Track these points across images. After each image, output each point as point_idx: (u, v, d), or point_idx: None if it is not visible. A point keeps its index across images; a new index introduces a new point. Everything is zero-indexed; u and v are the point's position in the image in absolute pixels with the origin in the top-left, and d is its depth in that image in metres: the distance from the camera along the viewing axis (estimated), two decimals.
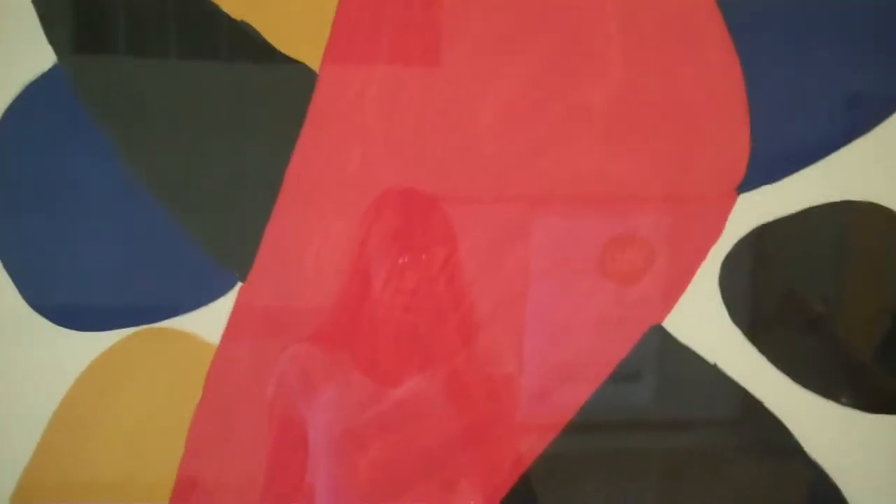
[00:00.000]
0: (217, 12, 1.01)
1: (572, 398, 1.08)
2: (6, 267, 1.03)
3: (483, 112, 1.03)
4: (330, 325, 1.05)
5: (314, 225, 1.03)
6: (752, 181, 1.04)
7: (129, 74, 1.02)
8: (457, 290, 1.04)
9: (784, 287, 1.08)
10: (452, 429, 1.07)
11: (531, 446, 1.09)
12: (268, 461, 1.07)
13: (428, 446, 1.07)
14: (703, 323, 1.06)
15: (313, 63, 1.02)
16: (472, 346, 1.06)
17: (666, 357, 1.07)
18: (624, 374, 1.08)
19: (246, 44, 1.01)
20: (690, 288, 1.06)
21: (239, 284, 1.04)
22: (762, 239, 1.05)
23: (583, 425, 1.08)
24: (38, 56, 1.00)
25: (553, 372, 1.08)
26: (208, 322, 1.04)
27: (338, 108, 1.02)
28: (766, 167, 1.04)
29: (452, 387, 1.06)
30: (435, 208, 1.04)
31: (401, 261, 1.03)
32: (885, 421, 1.08)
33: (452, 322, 1.05)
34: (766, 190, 1.05)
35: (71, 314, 1.03)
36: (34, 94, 1.01)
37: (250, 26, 1.01)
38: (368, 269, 1.03)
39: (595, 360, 1.08)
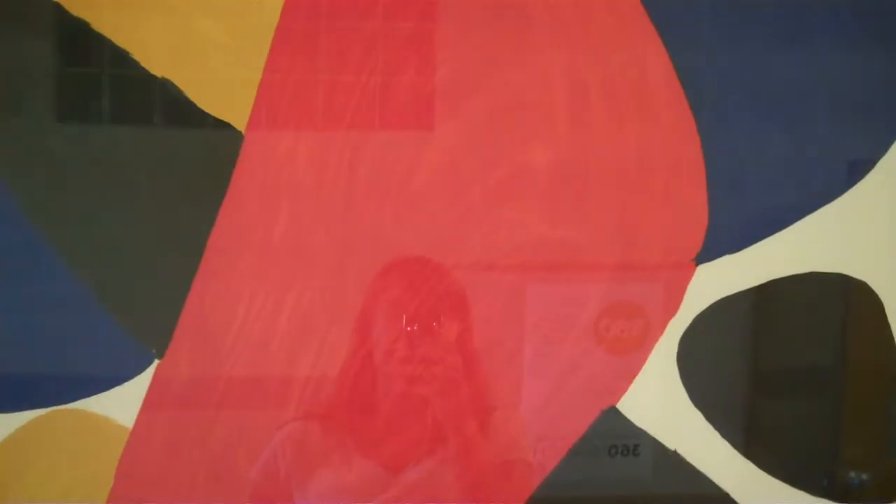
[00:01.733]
0: (141, 73, 0.96)
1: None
2: None
3: (418, 173, 0.98)
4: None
5: (239, 293, 0.97)
6: (711, 251, 1.00)
7: (48, 138, 0.96)
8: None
9: (749, 365, 1.03)
10: None
11: None
12: None
13: None
14: (662, 404, 1.00)
15: (239, 124, 0.96)
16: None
17: (624, 439, 1.01)
18: (584, 452, 1.02)
19: (170, 104, 0.96)
20: (647, 366, 1.00)
21: (156, 362, 0.97)
22: (723, 313, 1.00)
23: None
24: None
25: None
26: (122, 403, 0.97)
27: (264, 170, 0.97)
28: (727, 236, 1.00)
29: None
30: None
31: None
32: None
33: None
34: (726, 260, 1.00)
35: None
36: None
37: (173, 84, 0.96)
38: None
39: (556, 434, 1.02)
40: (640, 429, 1.00)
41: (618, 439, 1.01)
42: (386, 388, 0.96)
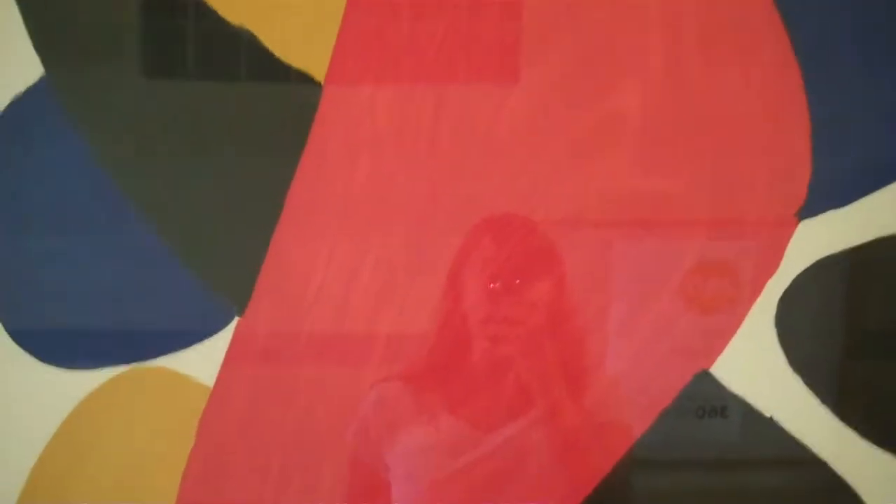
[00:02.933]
0: (217, 23, 0.95)
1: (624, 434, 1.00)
2: None
3: (502, 123, 0.95)
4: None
5: (318, 249, 0.96)
6: (814, 206, 0.96)
7: (131, 93, 0.96)
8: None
9: (851, 329, 0.99)
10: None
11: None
12: None
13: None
14: (758, 369, 0.97)
15: (318, 75, 0.95)
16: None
17: (716, 406, 0.98)
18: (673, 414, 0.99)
19: (245, 55, 0.95)
20: (743, 329, 0.97)
21: (237, 319, 0.97)
22: (826, 273, 0.97)
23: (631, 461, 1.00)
24: (28, 68, 0.96)
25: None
26: (203, 361, 0.97)
27: (344, 121, 0.96)
28: (831, 189, 0.96)
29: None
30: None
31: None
32: None
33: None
34: (830, 216, 0.96)
35: (56, 349, 0.98)
36: (22, 110, 0.96)
37: (249, 32, 0.95)
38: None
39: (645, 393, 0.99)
40: (733, 393, 0.97)
41: (708, 402, 0.99)
42: (473, 347, 0.95)
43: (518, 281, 0.94)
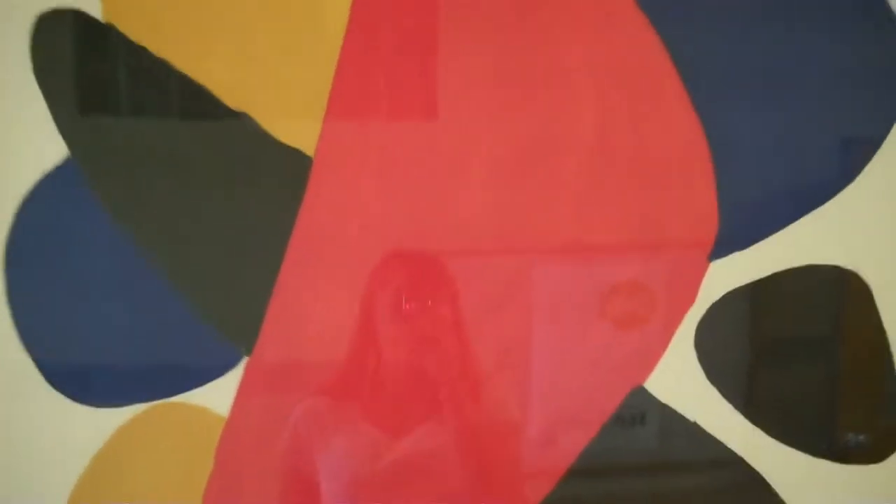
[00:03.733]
0: (217, 104, 1.08)
1: (573, 444, 1.14)
2: (27, 346, 1.08)
3: (469, 175, 1.10)
4: (338, 379, 1.10)
5: (317, 296, 1.09)
6: (721, 250, 1.11)
7: (135, 153, 1.08)
8: (460, 337, 1.10)
9: (755, 347, 1.14)
10: (461, 477, 1.10)
11: (537, 491, 1.14)
12: None
13: (438, 495, 1.10)
14: (683, 383, 1.12)
15: (308, 150, 1.09)
16: (477, 393, 1.11)
17: (650, 413, 1.13)
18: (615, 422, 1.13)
19: (244, 132, 1.09)
20: (668, 350, 1.11)
21: (246, 358, 1.09)
22: (733, 303, 1.11)
23: (579, 471, 1.14)
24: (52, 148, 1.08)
25: (556, 418, 1.14)
26: (218, 395, 1.09)
27: (332, 185, 1.09)
28: (734, 237, 1.11)
29: (459, 435, 1.09)
30: (435, 264, 1.10)
31: (406, 306, 1.08)
32: (852, 471, 1.14)
33: (457, 368, 1.10)
34: (734, 257, 1.11)
35: (86, 390, 1.08)
36: (48, 182, 1.07)
37: (248, 116, 1.08)
38: (375, 324, 1.09)
39: (587, 410, 1.14)
40: (662, 403, 1.12)
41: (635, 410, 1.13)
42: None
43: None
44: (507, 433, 1.13)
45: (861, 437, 1.14)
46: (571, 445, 1.14)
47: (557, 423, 1.14)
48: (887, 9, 1.11)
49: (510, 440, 1.13)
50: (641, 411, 1.13)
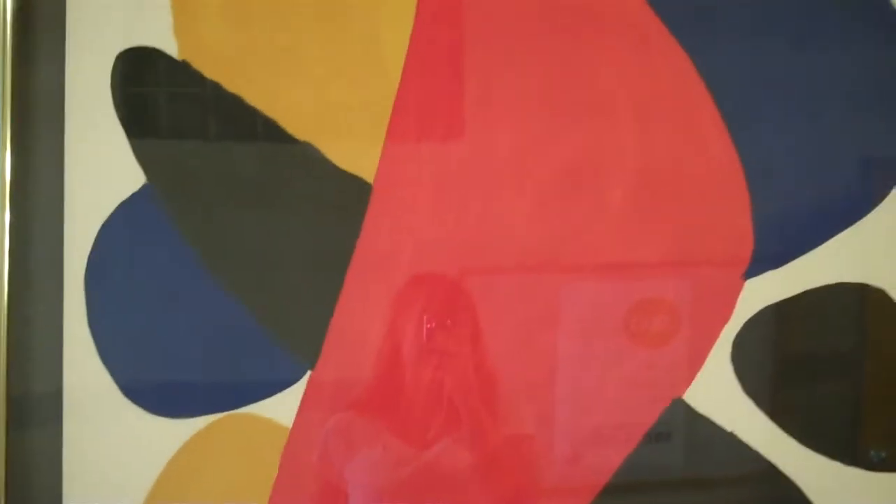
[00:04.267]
0: (285, 135, 1.17)
1: (606, 461, 1.19)
2: (103, 359, 1.15)
3: (519, 203, 1.17)
4: (367, 395, 1.16)
5: (373, 317, 1.16)
6: (756, 269, 1.17)
7: (209, 183, 1.16)
8: (479, 358, 1.16)
9: (789, 361, 1.19)
10: (484, 491, 1.16)
11: None
12: None
13: None
14: (720, 395, 1.17)
15: (368, 177, 1.17)
16: (494, 411, 1.16)
17: (687, 426, 1.18)
18: (651, 437, 1.18)
19: (308, 160, 1.17)
20: (706, 364, 1.17)
21: (309, 373, 1.16)
22: (767, 319, 1.17)
23: (615, 487, 1.18)
24: (130, 175, 1.16)
25: (585, 436, 1.18)
26: (283, 407, 1.15)
27: (390, 211, 1.16)
28: (768, 257, 1.17)
29: (479, 450, 1.16)
30: (455, 287, 1.17)
31: (428, 326, 1.15)
32: (891, 479, 1.18)
33: (475, 387, 1.16)
34: (769, 275, 1.17)
35: (161, 402, 1.15)
36: (126, 210, 1.16)
37: (313, 146, 1.16)
38: (400, 343, 1.16)
39: (625, 425, 1.18)
40: (701, 414, 1.17)
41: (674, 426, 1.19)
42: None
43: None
44: (523, 448, 1.18)
45: (892, 448, 1.18)
46: (607, 461, 1.19)
47: (592, 440, 1.18)
48: None
49: (526, 455, 1.18)
50: (678, 424, 1.18)
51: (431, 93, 1.17)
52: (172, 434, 1.16)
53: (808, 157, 1.18)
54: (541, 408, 1.18)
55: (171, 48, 1.16)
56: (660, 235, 1.18)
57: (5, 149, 1.12)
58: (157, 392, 1.16)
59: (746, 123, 1.17)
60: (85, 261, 1.15)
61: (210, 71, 1.16)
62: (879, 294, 1.18)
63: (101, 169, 1.16)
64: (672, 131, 1.18)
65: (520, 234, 1.18)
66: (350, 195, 1.17)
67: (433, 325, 1.15)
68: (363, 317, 1.17)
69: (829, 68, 1.18)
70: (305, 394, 1.16)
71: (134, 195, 1.16)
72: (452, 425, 1.16)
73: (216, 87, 1.16)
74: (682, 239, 1.18)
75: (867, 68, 1.18)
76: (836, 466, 1.18)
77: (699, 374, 1.18)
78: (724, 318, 1.18)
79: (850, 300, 1.19)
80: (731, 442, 1.18)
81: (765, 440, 1.18)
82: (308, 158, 1.16)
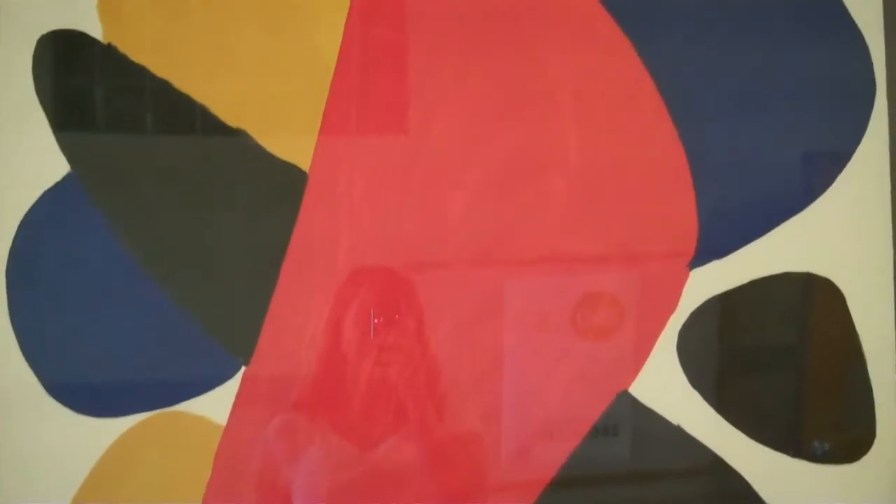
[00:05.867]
0: (216, 122, 1.13)
1: (552, 456, 1.17)
2: (27, 357, 1.10)
3: (459, 194, 1.15)
4: (309, 394, 1.13)
5: (310, 310, 1.13)
6: (701, 259, 1.16)
7: (135, 169, 1.12)
8: (425, 354, 1.13)
9: (734, 351, 1.18)
10: (432, 489, 1.14)
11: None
12: None
13: None
14: (666, 387, 1.16)
15: (303, 165, 1.13)
16: (441, 407, 1.14)
17: (634, 419, 1.16)
18: (598, 431, 1.17)
19: (242, 149, 1.13)
20: (652, 356, 1.15)
21: (243, 368, 1.12)
22: (713, 309, 1.16)
23: (562, 482, 1.17)
24: (53, 164, 1.11)
25: (532, 431, 1.16)
26: (216, 404, 1.11)
27: (326, 200, 1.13)
28: (713, 246, 1.16)
29: (426, 447, 1.13)
30: (401, 278, 1.14)
31: (375, 321, 1.12)
32: (835, 471, 1.18)
33: (422, 383, 1.13)
34: (714, 265, 1.15)
35: (88, 401, 1.10)
36: (50, 199, 1.11)
37: (246, 133, 1.12)
38: (343, 340, 1.13)
39: (569, 422, 1.16)
40: (647, 407, 1.16)
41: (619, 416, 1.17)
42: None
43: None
44: (470, 446, 1.16)
45: (836, 439, 1.18)
46: (554, 455, 1.17)
47: (538, 434, 1.17)
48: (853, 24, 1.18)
49: (476, 454, 1.16)
50: (625, 416, 1.17)
51: (368, 84, 1.14)
52: (100, 433, 1.11)
53: (753, 149, 1.17)
54: (487, 403, 1.16)
55: (96, 30, 1.11)
56: (604, 226, 1.16)
57: None
58: (84, 390, 1.11)
59: (691, 115, 1.16)
60: (6, 252, 1.10)
61: (137, 55, 1.11)
62: (825, 283, 1.17)
63: (24, 158, 1.11)
64: (616, 122, 1.16)
65: (461, 226, 1.15)
66: (285, 184, 1.13)
67: (380, 319, 1.12)
68: (300, 310, 1.13)
69: (775, 62, 1.17)
70: (240, 390, 1.13)
71: (58, 184, 1.11)
72: (399, 423, 1.13)
73: (143, 71, 1.12)
74: (627, 230, 1.16)
75: (813, 62, 1.18)
76: (781, 458, 1.17)
77: (645, 367, 1.16)
78: (670, 310, 1.16)
79: (796, 290, 1.18)
80: (678, 435, 1.17)
81: (711, 433, 1.17)
82: (241, 146, 1.12)
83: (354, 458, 1.13)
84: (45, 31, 1.10)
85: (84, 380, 1.12)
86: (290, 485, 1.14)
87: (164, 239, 1.12)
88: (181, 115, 1.13)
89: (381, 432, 1.13)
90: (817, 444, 1.18)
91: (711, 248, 1.16)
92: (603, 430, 1.17)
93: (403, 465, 1.13)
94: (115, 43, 1.11)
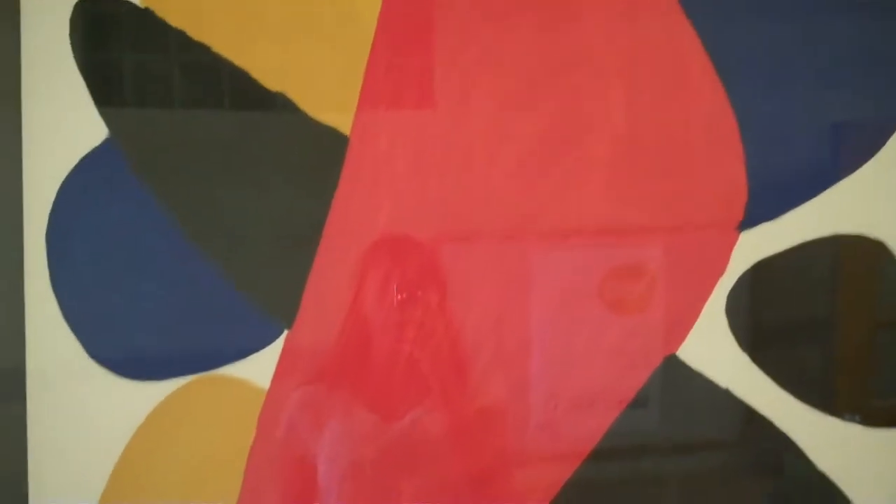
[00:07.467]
0: (256, 86, 1.12)
1: (593, 428, 1.15)
2: (69, 322, 1.11)
3: (499, 160, 1.13)
4: (333, 365, 1.12)
5: (352, 274, 1.12)
6: (750, 221, 1.13)
7: (175, 135, 1.12)
8: (450, 327, 1.12)
9: (785, 314, 1.16)
10: (457, 462, 1.13)
11: (551, 479, 1.15)
12: (284, 499, 1.14)
13: (435, 478, 1.13)
14: (714, 350, 1.13)
15: (344, 128, 1.12)
16: (465, 380, 1.13)
17: (680, 383, 1.14)
18: (639, 401, 1.15)
19: (282, 113, 1.12)
20: (700, 320, 1.13)
21: (286, 332, 1.12)
22: (762, 272, 1.13)
23: (603, 453, 1.15)
24: (93, 129, 1.11)
25: (569, 403, 1.15)
26: (258, 368, 1.11)
27: (367, 166, 1.12)
28: (763, 208, 1.13)
29: (450, 419, 1.12)
30: (423, 253, 1.12)
31: (399, 297, 1.11)
32: (888, 434, 1.15)
33: (447, 357, 1.12)
34: (764, 227, 1.13)
35: (131, 365, 1.11)
36: (89, 164, 1.11)
37: (286, 97, 1.12)
38: (368, 309, 1.12)
39: (611, 390, 1.15)
40: (696, 371, 1.14)
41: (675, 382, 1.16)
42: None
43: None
44: (495, 419, 1.14)
45: (888, 403, 1.16)
46: (597, 425, 1.15)
47: (582, 405, 1.15)
48: None
49: (499, 426, 1.15)
50: (672, 381, 1.15)
51: (408, 49, 1.12)
52: (143, 397, 1.12)
53: (804, 111, 1.14)
54: (522, 375, 1.15)
55: None
56: (650, 190, 1.13)
57: None
58: (126, 354, 1.12)
59: (740, 77, 1.13)
60: (46, 218, 1.11)
61: (175, 19, 1.11)
62: (877, 245, 1.14)
63: (61, 122, 1.11)
64: (663, 84, 1.13)
65: (503, 194, 1.13)
66: (326, 148, 1.12)
67: (404, 295, 1.11)
68: (341, 275, 1.12)
69: (828, 24, 1.14)
70: (282, 354, 1.12)
71: (97, 149, 1.11)
72: (423, 395, 1.12)
73: (181, 35, 1.11)
74: (675, 191, 1.13)
75: (867, 23, 1.14)
76: (831, 421, 1.15)
77: (693, 331, 1.14)
78: (719, 273, 1.14)
79: (847, 252, 1.15)
80: (726, 398, 1.15)
81: (760, 396, 1.15)
82: (281, 110, 1.11)
83: (379, 428, 1.12)
84: None
85: (126, 343, 1.12)
86: (314, 456, 1.13)
87: (205, 203, 1.12)
88: (220, 79, 1.12)
89: (406, 403, 1.13)
90: (868, 408, 1.15)
91: (761, 210, 1.13)
92: (647, 396, 1.15)
93: (428, 438, 1.12)
94: (152, 7, 1.11)
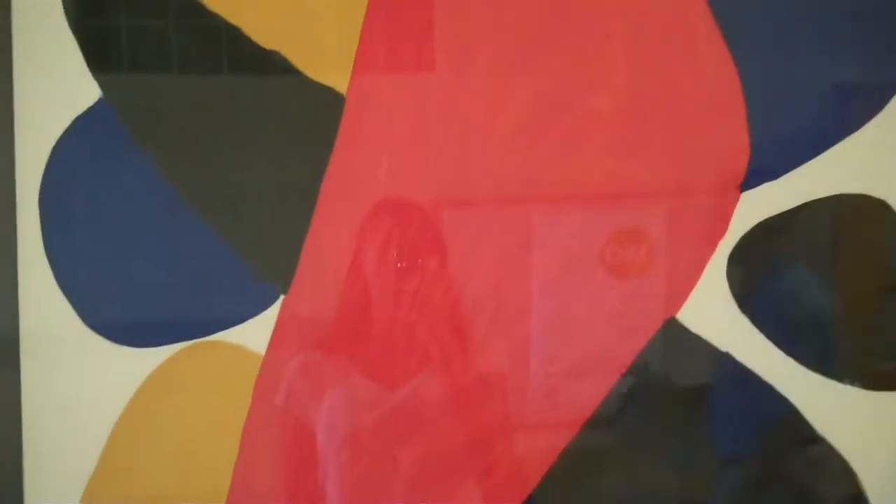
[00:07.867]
0: (251, 44, 1.10)
1: (592, 392, 1.14)
2: (63, 288, 1.10)
3: (500, 122, 1.11)
4: (332, 332, 1.12)
5: (349, 237, 1.11)
6: (752, 180, 1.11)
7: (169, 97, 1.10)
8: (450, 293, 1.11)
9: (786, 276, 1.14)
10: (457, 429, 1.12)
11: (551, 444, 1.14)
12: (283, 466, 1.13)
13: (434, 445, 1.12)
14: (714, 313, 1.12)
15: (341, 87, 1.11)
16: (465, 348, 1.12)
17: (680, 347, 1.14)
18: (638, 365, 1.14)
19: (277, 72, 1.10)
20: (701, 282, 1.12)
21: (282, 297, 1.11)
22: (764, 233, 1.12)
23: (602, 417, 1.14)
24: (86, 90, 1.10)
25: (569, 368, 1.14)
26: (254, 333, 1.10)
27: (365, 127, 1.10)
28: (765, 167, 1.11)
29: (450, 386, 1.11)
30: (425, 218, 1.11)
31: (399, 265, 1.10)
32: (888, 397, 1.14)
33: (447, 324, 1.11)
34: (766, 187, 1.11)
35: (126, 331, 1.10)
36: (82, 125, 1.10)
37: (281, 55, 1.10)
38: (367, 276, 1.10)
39: (611, 354, 1.14)
40: (695, 334, 1.13)
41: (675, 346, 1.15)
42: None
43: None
44: (495, 387, 1.13)
45: (889, 365, 1.15)
46: (596, 389, 1.14)
47: (581, 371, 1.14)
48: None
49: (499, 394, 1.14)
50: (672, 344, 1.14)
51: (405, 5, 1.11)
52: (140, 363, 1.11)
53: (807, 70, 1.12)
54: (523, 340, 1.14)
55: None
56: (651, 149, 1.12)
57: None
58: (120, 321, 1.11)
59: (744, 36, 1.11)
60: (39, 181, 1.09)
61: None
62: (879, 204, 1.13)
63: (54, 83, 1.10)
64: (667, 42, 1.12)
65: (500, 160, 1.12)
66: (322, 107, 1.10)
67: (404, 264, 1.10)
68: (337, 239, 1.11)
69: None
70: (279, 319, 1.11)
71: (91, 109, 1.10)
72: (422, 363, 1.11)
73: None
74: (676, 150, 1.12)
75: None
76: (831, 384, 1.14)
77: (693, 293, 1.13)
78: (720, 233, 1.13)
79: (849, 212, 1.14)
80: (727, 361, 1.13)
81: (760, 359, 1.13)
82: (275, 68, 1.10)
83: (379, 396, 1.11)
84: None
85: (121, 310, 1.11)
86: (313, 424, 1.12)
87: (200, 164, 1.11)
88: (213, 37, 1.10)
89: (406, 372, 1.12)
90: (868, 370, 1.14)
91: (763, 169, 1.12)
92: (647, 361, 1.14)
93: (429, 404, 1.11)
94: None
